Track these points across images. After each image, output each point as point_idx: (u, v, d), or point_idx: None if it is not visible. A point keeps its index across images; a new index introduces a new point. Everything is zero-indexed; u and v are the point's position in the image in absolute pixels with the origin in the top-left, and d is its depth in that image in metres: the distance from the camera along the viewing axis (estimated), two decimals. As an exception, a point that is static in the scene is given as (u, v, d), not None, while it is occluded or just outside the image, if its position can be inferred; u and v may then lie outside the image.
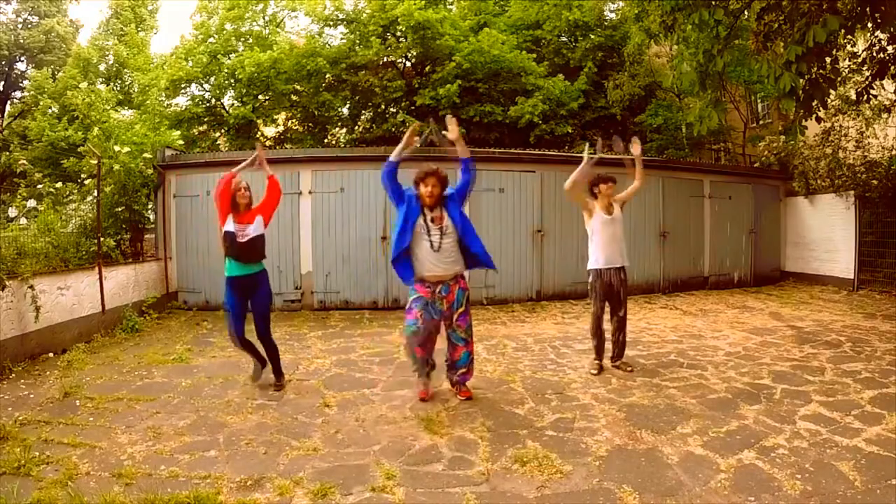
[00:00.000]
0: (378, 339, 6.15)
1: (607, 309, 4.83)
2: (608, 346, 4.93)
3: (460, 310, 3.97)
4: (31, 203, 7.68)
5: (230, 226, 4.14)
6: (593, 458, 3.11)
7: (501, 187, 8.45)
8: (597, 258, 4.79)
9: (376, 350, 5.63)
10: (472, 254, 3.97)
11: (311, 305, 8.08)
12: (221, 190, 4.15)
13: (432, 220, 3.87)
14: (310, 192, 8.06)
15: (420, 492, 2.76)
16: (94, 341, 5.96)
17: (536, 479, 2.87)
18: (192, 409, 3.92)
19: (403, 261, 3.91)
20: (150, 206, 8.37)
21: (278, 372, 4.47)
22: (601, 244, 4.76)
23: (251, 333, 4.35)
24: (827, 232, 9.94)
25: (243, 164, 4.42)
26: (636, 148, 4.81)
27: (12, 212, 7.57)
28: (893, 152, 9.42)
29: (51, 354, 5.40)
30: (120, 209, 7.54)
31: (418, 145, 4.34)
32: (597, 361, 4.87)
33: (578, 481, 2.85)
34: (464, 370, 4.13)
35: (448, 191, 3.97)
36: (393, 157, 3.89)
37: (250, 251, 4.18)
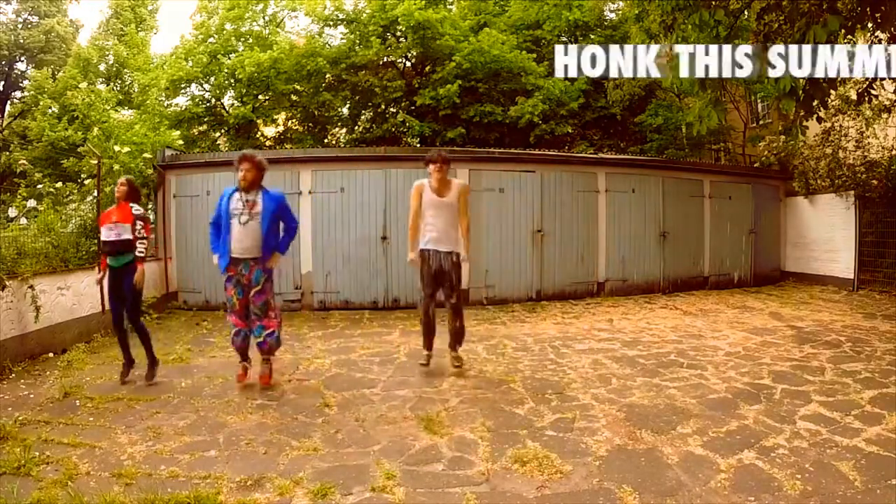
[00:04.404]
0: (378, 339, 6.15)
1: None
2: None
3: (257, 288, 4.28)
4: (31, 203, 7.67)
5: (104, 233, 4.45)
6: (593, 458, 3.11)
7: (501, 187, 8.44)
8: (425, 238, 4.54)
9: (376, 350, 5.64)
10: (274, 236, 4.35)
11: (311, 305, 8.07)
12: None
13: (246, 202, 4.21)
14: (310, 192, 8.06)
15: (420, 492, 2.76)
16: (94, 341, 5.96)
17: (536, 479, 2.87)
18: (192, 409, 3.92)
19: (219, 236, 4.30)
20: (150, 206, 8.37)
21: (151, 358, 4.57)
22: (432, 223, 4.51)
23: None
24: (827, 232, 9.93)
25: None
26: None
27: (12, 212, 7.55)
28: (893, 152, 9.41)
29: (51, 354, 5.40)
30: (120, 209, 7.52)
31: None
32: (427, 353, 4.78)
33: (578, 481, 2.85)
34: (259, 339, 4.35)
35: (278, 195, 4.38)
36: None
37: (117, 247, 4.42)
